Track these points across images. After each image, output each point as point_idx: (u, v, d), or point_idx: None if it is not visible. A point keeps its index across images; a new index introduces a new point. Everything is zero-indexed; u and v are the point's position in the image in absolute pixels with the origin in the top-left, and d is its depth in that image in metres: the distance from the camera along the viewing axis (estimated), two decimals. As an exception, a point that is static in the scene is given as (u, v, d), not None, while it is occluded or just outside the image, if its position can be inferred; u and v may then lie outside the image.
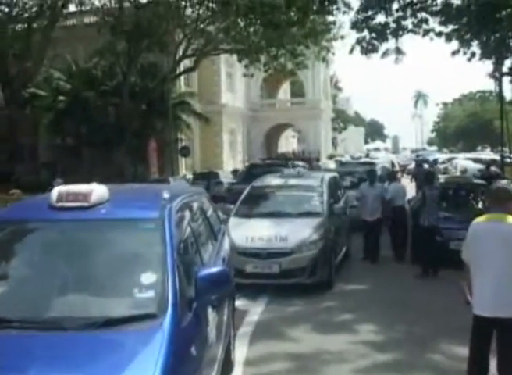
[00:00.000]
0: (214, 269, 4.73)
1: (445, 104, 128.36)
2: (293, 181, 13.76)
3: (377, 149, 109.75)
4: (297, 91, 71.97)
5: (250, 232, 11.44)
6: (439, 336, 8.52)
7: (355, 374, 7.24)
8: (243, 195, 13.41)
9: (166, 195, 5.39)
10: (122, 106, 33.49)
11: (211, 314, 5.15)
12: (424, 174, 16.36)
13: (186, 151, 38.73)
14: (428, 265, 12.63)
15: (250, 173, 28.96)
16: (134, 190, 6.62)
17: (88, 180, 5.66)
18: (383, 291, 11.44)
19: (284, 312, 9.96)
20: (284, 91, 74.60)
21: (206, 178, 31.38)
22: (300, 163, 33.90)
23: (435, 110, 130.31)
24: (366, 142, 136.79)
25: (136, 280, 4.44)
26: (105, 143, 35.21)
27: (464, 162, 31.84)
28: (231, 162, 51.79)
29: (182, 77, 44.26)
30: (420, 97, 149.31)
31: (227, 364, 6.34)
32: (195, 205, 5.92)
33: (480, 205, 15.69)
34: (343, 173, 19.45)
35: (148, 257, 4.67)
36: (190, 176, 37.03)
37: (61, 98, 35.26)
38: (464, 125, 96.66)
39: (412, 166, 44.31)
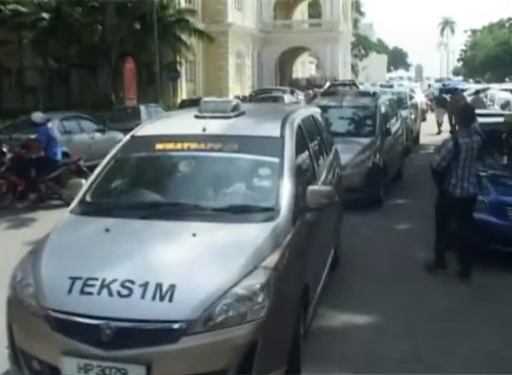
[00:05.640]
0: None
1: (473, 31, 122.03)
2: (216, 126, 5.66)
3: (400, 78, 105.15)
4: (315, 15, 67.39)
5: (84, 264, 4.38)
6: None
7: None
8: (105, 160, 5.70)
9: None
10: (106, 22, 29.43)
11: None
12: (459, 109, 8.89)
13: (174, 75, 34.30)
14: (463, 262, 7.62)
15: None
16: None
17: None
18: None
19: None
20: (301, 13, 70.04)
21: (195, 106, 27.42)
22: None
23: (462, 38, 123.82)
24: (389, 70, 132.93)
25: None
26: (93, 66, 32.74)
27: (503, 94, 26.60)
28: (238, 87, 47.45)
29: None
30: (447, 24, 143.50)
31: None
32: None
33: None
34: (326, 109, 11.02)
35: None
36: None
37: (43, 15, 30.54)
38: (494, 54, 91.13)
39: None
